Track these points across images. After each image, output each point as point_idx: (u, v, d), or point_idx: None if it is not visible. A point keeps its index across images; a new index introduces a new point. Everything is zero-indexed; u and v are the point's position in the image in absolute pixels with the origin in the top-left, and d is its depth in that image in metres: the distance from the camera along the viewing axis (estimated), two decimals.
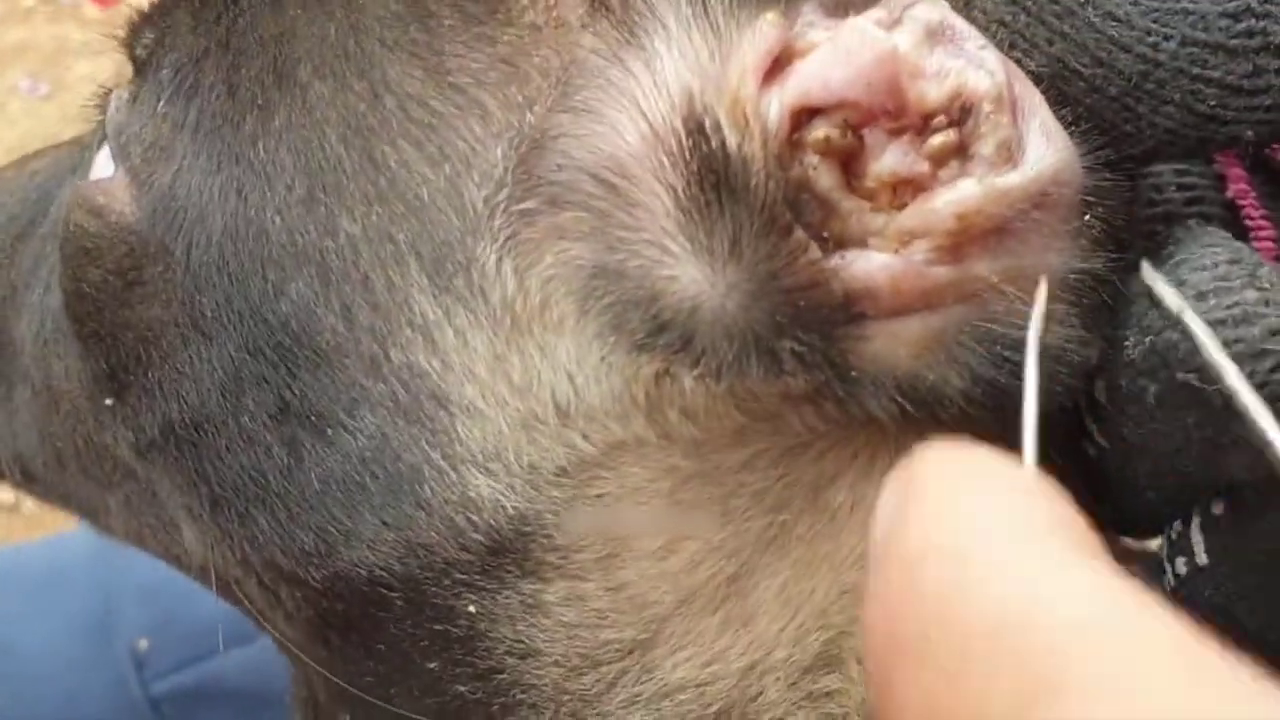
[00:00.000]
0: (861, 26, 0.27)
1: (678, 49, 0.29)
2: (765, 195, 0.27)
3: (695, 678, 0.31)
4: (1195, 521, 0.29)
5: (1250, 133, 0.29)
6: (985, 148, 0.27)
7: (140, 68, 0.36)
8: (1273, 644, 0.30)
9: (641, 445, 0.30)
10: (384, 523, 0.31)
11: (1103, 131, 0.28)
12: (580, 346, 0.30)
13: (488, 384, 0.30)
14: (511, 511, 0.31)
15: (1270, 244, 0.32)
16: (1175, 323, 0.27)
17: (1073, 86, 0.27)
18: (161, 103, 0.35)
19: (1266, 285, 0.27)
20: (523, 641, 0.32)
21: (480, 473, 0.31)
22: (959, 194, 0.27)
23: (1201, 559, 0.29)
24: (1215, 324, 0.26)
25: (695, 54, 0.28)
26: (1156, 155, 0.29)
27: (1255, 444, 0.25)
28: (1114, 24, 0.27)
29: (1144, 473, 0.29)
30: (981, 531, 0.17)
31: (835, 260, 0.27)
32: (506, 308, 0.30)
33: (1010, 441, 0.28)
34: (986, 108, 0.27)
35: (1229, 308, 0.27)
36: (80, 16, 2.65)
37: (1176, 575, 0.30)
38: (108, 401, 0.36)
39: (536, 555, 0.31)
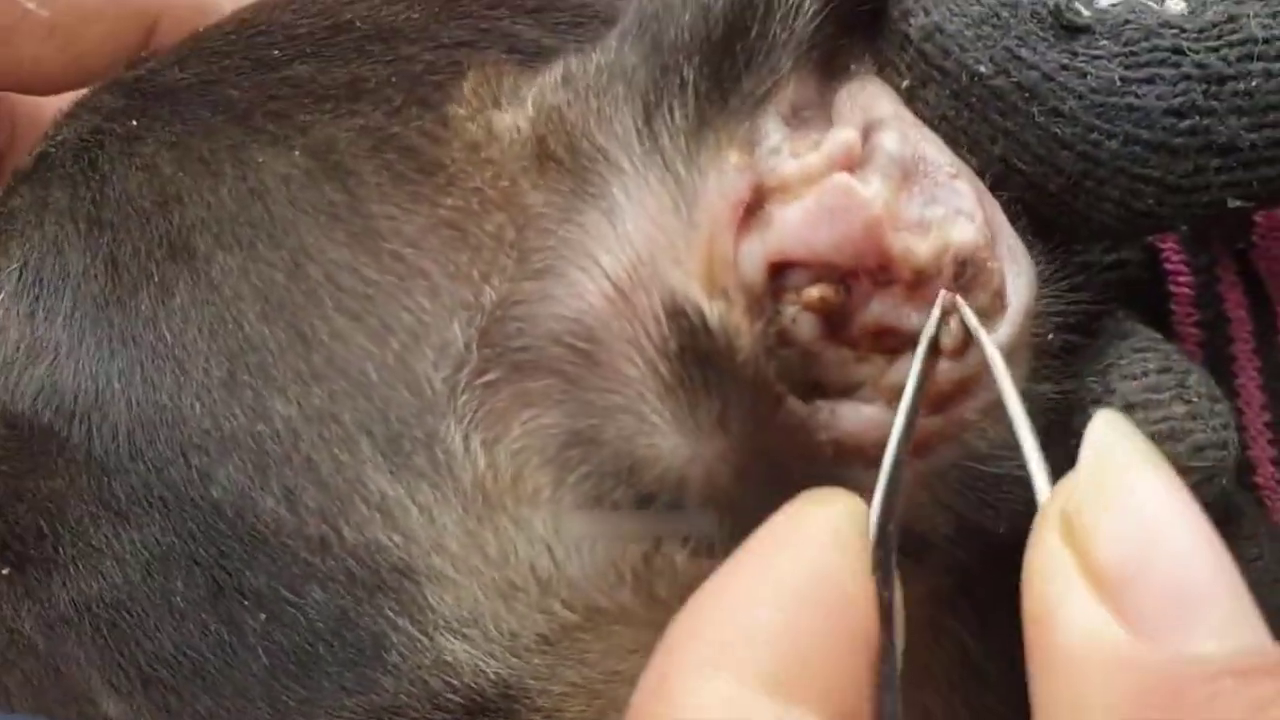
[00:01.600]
0: (845, 185, 0.26)
1: (636, 197, 0.27)
2: (755, 371, 0.26)
3: None
4: None
5: (1185, 227, 0.29)
6: (980, 299, 0.26)
7: None
8: None
9: (626, 611, 0.29)
10: (344, 689, 0.29)
11: (1040, 222, 0.27)
12: (558, 519, 0.28)
13: (460, 557, 0.29)
14: (493, 677, 0.29)
15: (1195, 344, 0.32)
16: None
17: (1012, 182, 0.27)
18: (5, 296, 0.32)
19: (1194, 398, 0.27)
20: None
21: (456, 638, 0.29)
22: (966, 360, 0.26)
23: None
24: None
25: (656, 202, 0.27)
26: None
27: None
28: (1058, 120, 0.26)
29: None
30: None
31: (824, 414, 0.26)
32: (477, 485, 0.28)
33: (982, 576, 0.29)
34: (979, 257, 0.26)
35: (1157, 422, 0.27)
36: None
37: None
38: (4, 571, 0.32)
39: (522, 715, 0.29)
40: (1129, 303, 0.32)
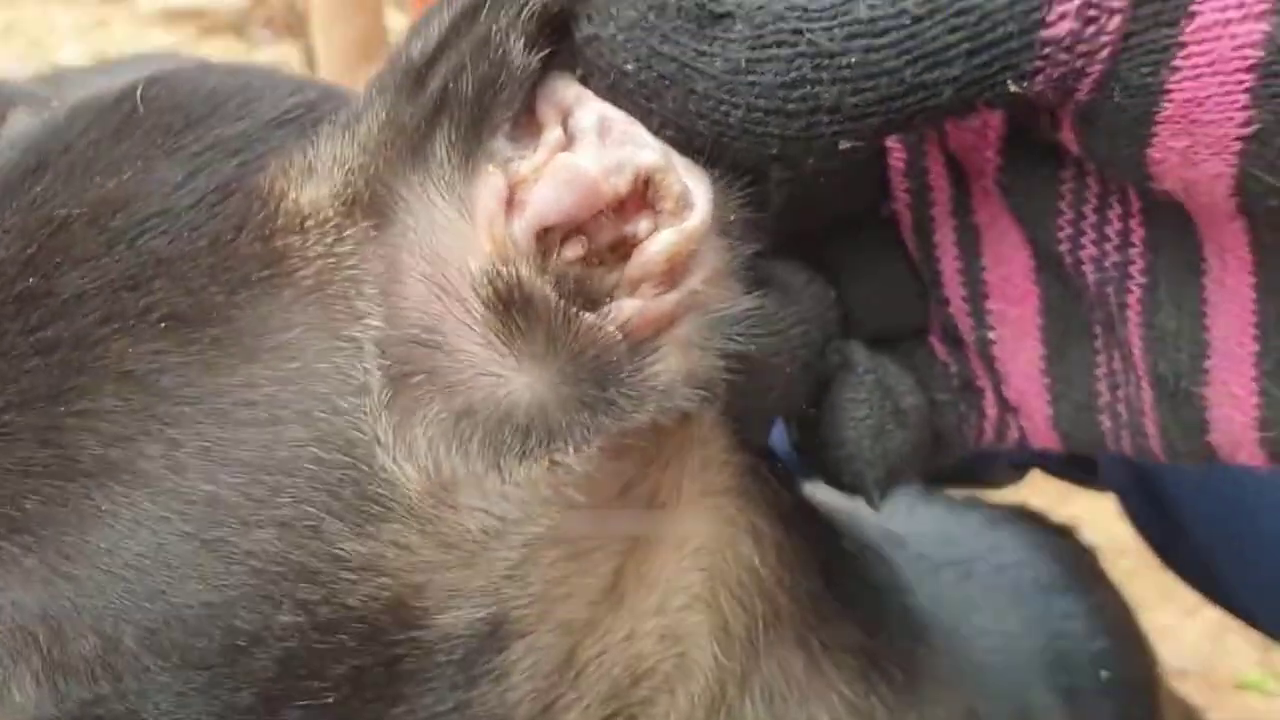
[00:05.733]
0: (567, 163, 0.33)
1: (428, 215, 0.34)
2: (551, 304, 0.34)
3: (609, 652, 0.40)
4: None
5: (810, 160, 0.35)
6: (668, 204, 0.34)
7: None
8: None
9: (554, 529, 0.37)
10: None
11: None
12: (478, 486, 0.35)
13: (432, 560, 0.35)
14: (485, 616, 0.37)
15: (904, 206, 0.40)
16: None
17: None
18: None
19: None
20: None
21: (449, 613, 0.36)
22: (662, 244, 0.34)
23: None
24: None
25: (445, 215, 0.34)
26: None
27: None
28: (692, 97, 0.33)
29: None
30: None
31: (604, 315, 0.34)
32: (422, 494, 0.34)
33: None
34: (659, 176, 0.34)
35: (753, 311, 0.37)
36: None
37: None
38: None
39: (510, 639, 0.38)
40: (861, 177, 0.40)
